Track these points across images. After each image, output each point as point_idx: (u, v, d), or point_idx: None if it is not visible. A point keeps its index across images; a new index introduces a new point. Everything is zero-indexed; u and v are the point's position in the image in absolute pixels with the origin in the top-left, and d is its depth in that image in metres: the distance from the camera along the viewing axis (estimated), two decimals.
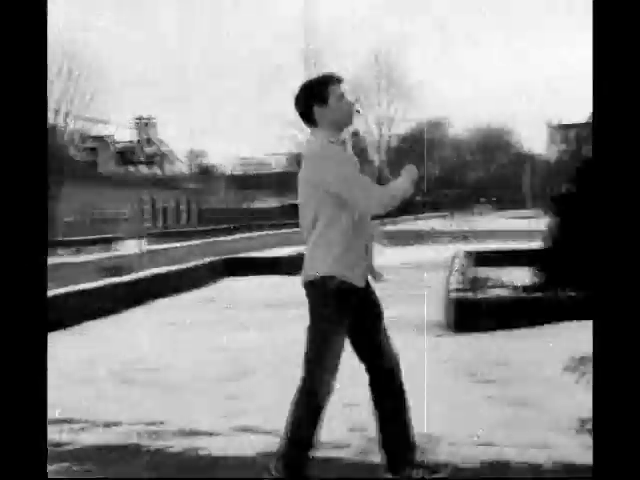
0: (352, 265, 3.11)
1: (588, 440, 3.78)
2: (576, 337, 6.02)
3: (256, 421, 4.29)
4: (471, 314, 7.06)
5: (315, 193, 3.06)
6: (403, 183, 3.09)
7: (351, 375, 5.40)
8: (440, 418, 4.19)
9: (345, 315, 3.12)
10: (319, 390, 3.10)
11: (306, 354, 3.15)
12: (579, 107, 66.24)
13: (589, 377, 4.92)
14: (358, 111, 3.22)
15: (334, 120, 3.13)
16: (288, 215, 51.04)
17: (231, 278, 13.61)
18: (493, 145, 63.16)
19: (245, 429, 4.18)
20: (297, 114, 3.23)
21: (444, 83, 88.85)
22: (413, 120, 54.07)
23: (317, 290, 3.13)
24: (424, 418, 4.04)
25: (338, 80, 3.21)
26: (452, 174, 59.80)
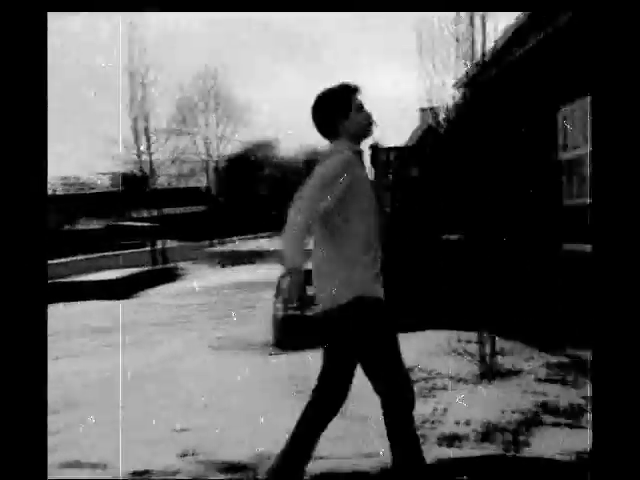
0: (373, 279, 2.99)
1: None
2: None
3: (81, 454, 4.10)
4: (299, 331, 7.22)
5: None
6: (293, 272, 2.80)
7: (184, 400, 5.33)
8: (274, 436, 4.23)
9: (387, 320, 3.03)
10: (406, 395, 3.03)
11: (377, 372, 3.04)
12: (397, 132, 70.02)
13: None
14: (376, 122, 3.11)
15: (354, 131, 3.04)
16: (113, 237, 49.24)
17: (55, 304, 12.89)
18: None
19: (70, 465, 3.97)
20: (314, 125, 3.10)
21: (273, 105, 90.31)
22: (242, 141, 54.47)
23: (350, 314, 2.95)
24: (258, 436, 4.08)
25: (356, 90, 3.08)
26: (280, 194, 60.82)
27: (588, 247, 7.10)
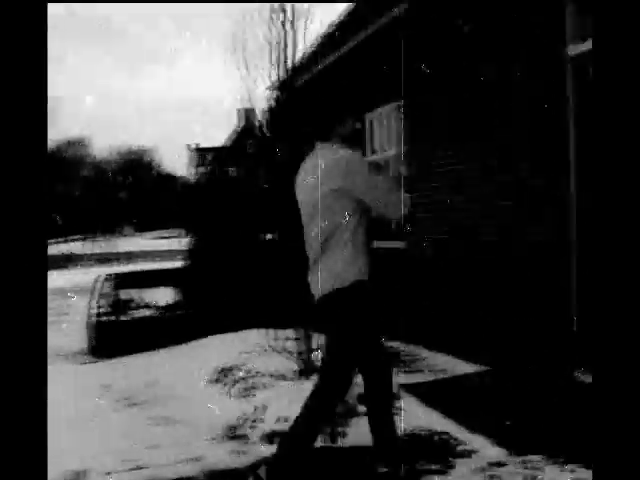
0: (368, 268, 3.23)
1: (236, 445, 4.01)
2: (217, 350, 6.34)
3: None
4: (115, 337, 6.98)
5: (338, 201, 3.12)
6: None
7: None
8: (92, 448, 4.06)
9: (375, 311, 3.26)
10: (388, 370, 3.38)
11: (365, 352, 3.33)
12: (216, 132, 70.03)
13: (230, 386, 5.22)
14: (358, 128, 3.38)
15: (343, 135, 3.31)
16: None
17: None
18: (135, 166, 63.10)
19: None
20: (308, 125, 3.44)
21: (85, 101, 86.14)
22: (51, 139, 51.57)
23: (348, 297, 3.18)
24: (67, 453, 3.88)
25: (352, 100, 3.47)
26: (94, 195, 58.28)
27: (398, 244, 7.52)
